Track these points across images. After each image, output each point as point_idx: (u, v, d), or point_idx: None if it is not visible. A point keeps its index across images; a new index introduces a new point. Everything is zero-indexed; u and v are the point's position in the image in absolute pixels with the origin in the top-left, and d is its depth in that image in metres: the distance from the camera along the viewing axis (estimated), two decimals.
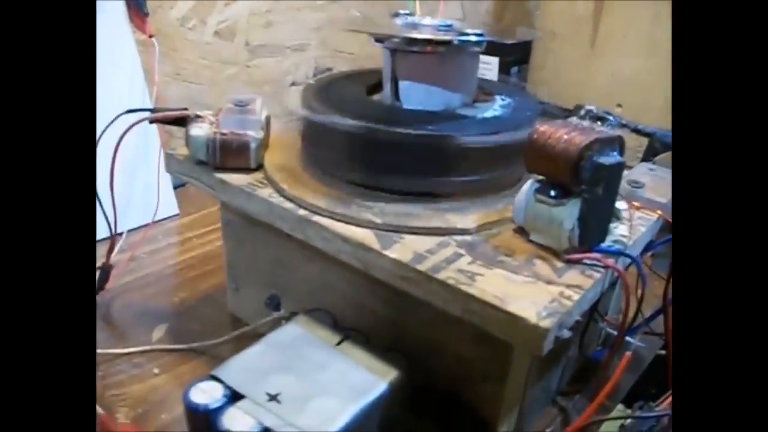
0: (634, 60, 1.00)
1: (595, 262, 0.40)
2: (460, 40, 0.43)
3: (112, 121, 0.54)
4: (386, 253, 0.40)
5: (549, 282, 0.38)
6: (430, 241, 0.42)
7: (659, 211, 0.48)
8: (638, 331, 0.55)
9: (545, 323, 0.34)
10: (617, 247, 0.42)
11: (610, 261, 0.40)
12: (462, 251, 0.41)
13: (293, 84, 0.99)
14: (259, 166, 0.51)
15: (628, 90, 1.02)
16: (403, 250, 0.41)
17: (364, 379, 0.41)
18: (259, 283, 0.57)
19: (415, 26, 0.48)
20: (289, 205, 0.46)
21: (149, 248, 0.73)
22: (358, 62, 1.03)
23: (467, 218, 0.44)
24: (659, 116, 1.00)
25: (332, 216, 0.44)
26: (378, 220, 0.43)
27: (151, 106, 0.77)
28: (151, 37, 0.75)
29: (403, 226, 0.43)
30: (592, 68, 1.06)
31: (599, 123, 0.41)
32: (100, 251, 0.61)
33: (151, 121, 0.53)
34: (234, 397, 0.39)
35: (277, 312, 0.55)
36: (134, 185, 0.76)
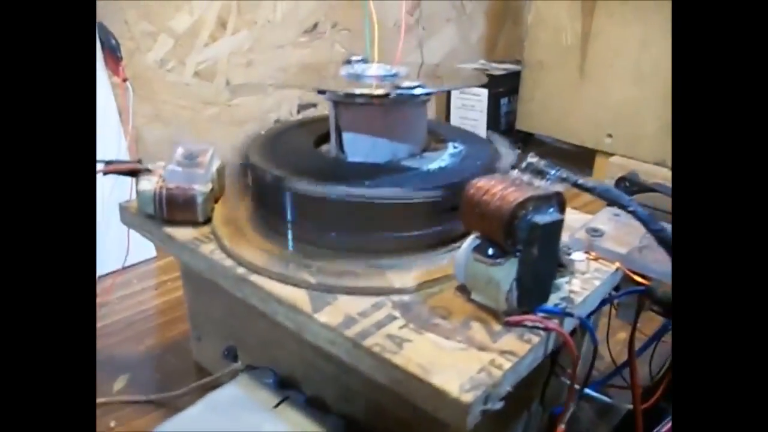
0: (623, 89, 0.98)
1: (535, 324, 0.38)
2: (397, 94, 0.42)
3: None
4: (316, 316, 0.39)
5: (481, 348, 0.36)
6: (365, 302, 0.40)
7: (617, 263, 0.46)
8: (604, 384, 0.53)
9: (467, 397, 0.33)
10: (560, 307, 0.40)
11: (552, 323, 0.38)
12: (396, 313, 0.39)
13: (277, 121, 0.99)
14: (208, 219, 0.50)
15: (617, 119, 1.00)
16: (335, 312, 0.39)
17: None
18: (217, 334, 0.56)
19: (358, 77, 0.47)
20: (229, 262, 0.45)
21: (122, 293, 0.73)
22: None
23: (408, 276, 0.42)
24: (650, 145, 0.98)
25: (269, 275, 0.43)
26: (313, 280, 0.42)
27: (126, 149, 0.78)
28: (125, 81, 0.76)
29: (339, 286, 0.41)
30: (580, 98, 1.05)
31: (540, 177, 0.40)
32: None
33: (105, 173, 0.52)
34: None
35: (235, 363, 0.54)
36: (110, 228, 0.76)
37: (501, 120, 1.14)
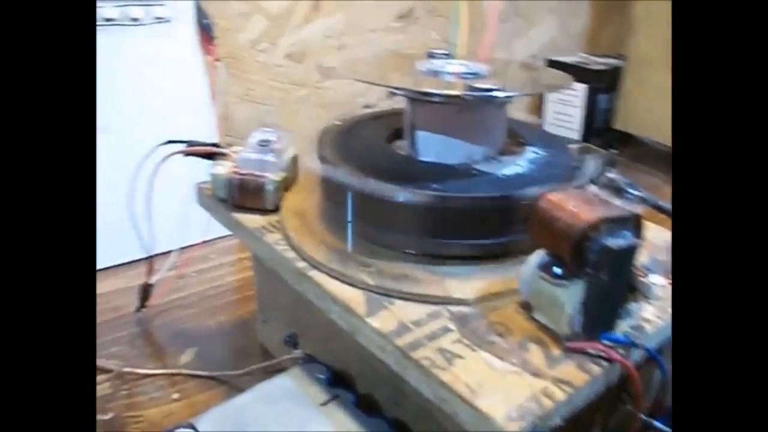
0: None
1: (598, 352, 0.36)
2: (471, 96, 0.40)
3: (150, 152, 0.56)
4: (369, 320, 0.38)
5: (536, 374, 0.34)
6: (421, 310, 0.39)
7: None
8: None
9: (512, 427, 0.31)
10: (628, 336, 0.37)
11: (616, 353, 0.36)
12: (452, 326, 0.38)
13: (366, 107, 0.98)
14: (278, 208, 0.50)
15: None
16: (389, 318, 0.38)
17: None
18: (282, 319, 0.57)
19: (436, 73, 0.45)
20: (291, 254, 0.45)
21: (200, 267, 0.76)
22: None
23: (468, 286, 0.41)
24: None
25: (328, 272, 0.42)
26: (371, 281, 0.41)
27: (214, 127, 0.80)
28: (217, 60, 0.77)
29: (396, 291, 0.40)
30: None
31: (618, 195, 0.37)
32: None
33: (185, 155, 0.54)
34: None
35: (295, 351, 0.54)
36: (193, 202, 0.78)
37: (597, 117, 1.08)
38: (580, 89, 1.06)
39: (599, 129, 1.09)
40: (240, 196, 0.49)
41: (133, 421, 0.53)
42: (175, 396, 0.56)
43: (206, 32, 0.77)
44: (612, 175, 0.38)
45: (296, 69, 0.90)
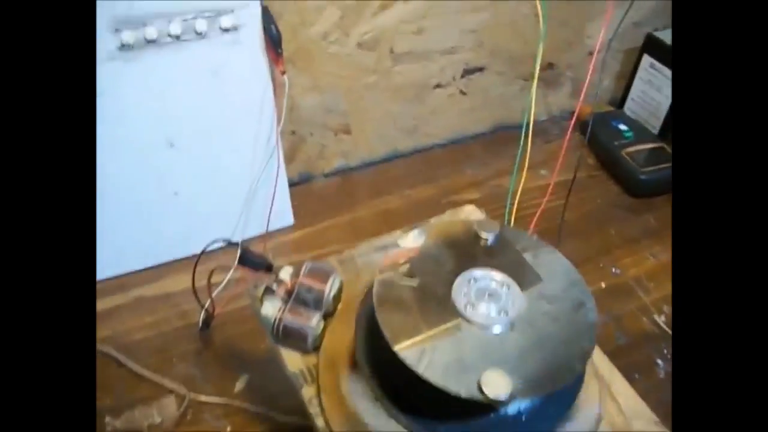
0: None
1: None
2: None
3: (203, 250, 0.61)
4: None
5: None
6: None
7: None
8: None
9: None
10: None
11: None
12: None
13: (438, 86, 0.94)
14: (318, 347, 0.56)
15: None
16: None
17: None
18: None
19: (461, 316, 0.47)
20: (320, 422, 0.52)
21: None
22: (516, 62, 0.95)
23: None
24: None
25: None
26: None
27: (277, 131, 0.80)
28: (283, 74, 0.76)
29: None
30: None
31: None
32: None
33: (237, 264, 0.59)
34: None
35: None
36: (258, 195, 0.82)
37: None
38: (670, 76, 0.96)
39: None
40: (283, 339, 0.55)
41: None
42: (229, 429, 0.68)
43: (274, 44, 0.74)
44: None
45: (367, 56, 0.86)
